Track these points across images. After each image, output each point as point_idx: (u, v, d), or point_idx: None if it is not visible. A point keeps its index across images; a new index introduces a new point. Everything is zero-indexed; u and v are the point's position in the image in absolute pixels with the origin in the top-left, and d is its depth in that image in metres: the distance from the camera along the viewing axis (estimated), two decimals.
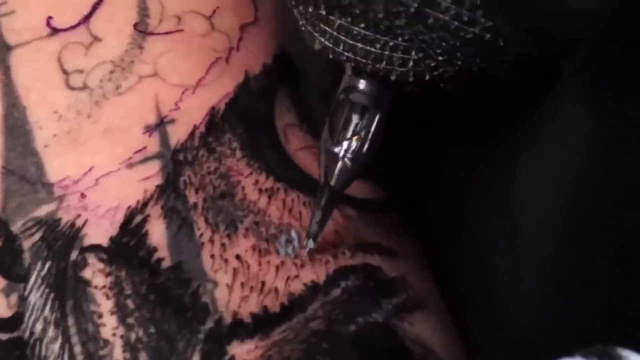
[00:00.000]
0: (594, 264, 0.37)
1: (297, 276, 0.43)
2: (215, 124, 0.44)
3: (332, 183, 0.42)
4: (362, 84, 0.40)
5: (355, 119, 0.41)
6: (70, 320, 0.42)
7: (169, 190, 0.43)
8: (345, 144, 0.41)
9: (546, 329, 0.39)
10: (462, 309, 0.46)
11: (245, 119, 0.45)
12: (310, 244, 0.43)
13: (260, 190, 0.44)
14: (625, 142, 0.35)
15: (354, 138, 0.41)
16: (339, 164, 0.41)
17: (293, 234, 0.44)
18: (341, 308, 0.42)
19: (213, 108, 0.44)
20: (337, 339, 0.41)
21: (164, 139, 0.44)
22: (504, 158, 0.41)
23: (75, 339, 0.42)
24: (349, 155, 0.41)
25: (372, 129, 0.41)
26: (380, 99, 0.40)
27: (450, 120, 0.44)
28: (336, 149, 0.41)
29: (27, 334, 0.42)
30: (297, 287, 0.42)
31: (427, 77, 0.38)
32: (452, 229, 0.46)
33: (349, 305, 0.43)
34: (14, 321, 0.43)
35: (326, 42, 0.38)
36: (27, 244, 0.43)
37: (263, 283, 0.42)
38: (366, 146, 0.41)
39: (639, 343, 0.31)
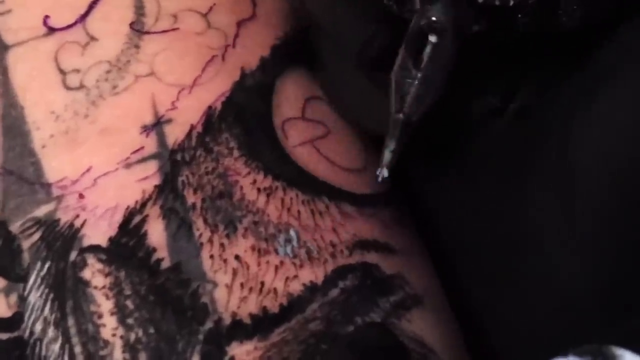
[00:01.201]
0: None
1: (296, 276, 0.43)
2: (212, 123, 0.44)
3: (407, 110, 0.41)
4: (435, 12, 0.39)
5: (429, 46, 0.40)
6: (70, 321, 0.42)
7: (167, 191, 0.43)
8: (419, 72, 0.40)
9: (601, 298, 0.38)
10: (471, 302, 0.46)
11: (242, 118, 0.45)
12: (385, 172, 0.41)
13: (258, 190, 0.44)
14: None
15: (430, 64, 0.40)
16: (414, 89, 0.40)
17: (292, 233, 0.44)
18: (340, 309, 0.43)
19: (210, 107, 0.44)
20: (335, 340, 0.41)
21: (161, 139, 0.44)
22: (557, 112, 0.40)
23: (75, 339, 0.42)
24: (422, 81, 0.40)
25: (447, 55, 0.40)
26: (453, 27, 0.39)
27: (464, 93, 0.43)
28: (412, 73, 0.40)
29: (27, 334, 0.43)
30: (296, 287, 0.42)
31: (512, 3, 0.37)
32: (475, 203, 0.44)
33: (348, 305, 0.43)
34: (14, 321, 0.43)
35: None
36: (26, 244, 0.43)
37: (262, 283, 0.42)
38: (439, 76, 0.40)
39: None
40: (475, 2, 0.38)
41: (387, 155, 0.41)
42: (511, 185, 0.43)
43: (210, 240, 0.43)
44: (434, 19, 0.39)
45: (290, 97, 0.47)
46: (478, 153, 0.45)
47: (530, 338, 0.43)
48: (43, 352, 0.42)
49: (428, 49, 0.40)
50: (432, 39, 0.39)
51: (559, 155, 0.40)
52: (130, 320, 0.42)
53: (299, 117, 0.47)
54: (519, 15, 0.38)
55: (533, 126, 0.42)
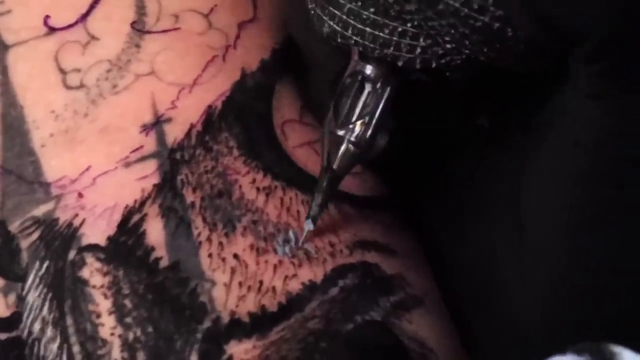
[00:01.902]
0: (603, 263, 0.37)
1: (295, 275, 0.43)
2: (212, 122, 0.44)
3: (335, 167, 0.42)
4: (368, 69, 0.40)
5: (360, 103, 0.41)
6: (69, 320, 0.42)
7: (166, 189, 0.43)
8: (349, 127, 0.41)
9: (551, 329, 0.39)
10: (463, 308, 0.46)
11: (242, 118, 0.45)
12: (310, 225, 0.43)
13: (257, 189, 0.44)
14: (636, 137, 0.34)
15: (359, 122, 0.41)
16: (343, 147, 0.41)
17: (291, 233, 0.44)
18: (339, 307, 0.42)
19: (210, 107, 0.44)
20: (334, 338, 0.41)
21: (161, 138, 0.44)
22: (514, 154, 0.41)
23: (73, 339, 0.42)
24: (352, 139, 0.41)
25: (377, 114, 0.41)
26: (386, 84, 0.40)
27: (457, 115, 0.44)
28: (340, 132, 0.41)
29: (25, 333, 0.42)
30: (294, 286, 0.42)
31: (434, 65, 0.38)
32: (455, 225, 0.46)
33: (347, 304, 0.43)
34: (13, 321, 0.43)
35: (335, 26, 0.38)
36: (25, 244, 0.43)
37: (261, 282, 0.42)
38: (370, 131, 0.41)
39: None
40: (396, 66, 0.39)
41: (314, 209, 0.43)
42: (478, 212, 0.44)
43: (209, 239, 0.43)
44: (367, 73, 0.40)
45: (289, 100, 0.47)
46: (459, 173, 0.46)
47: (505, 350, 0.43)
48: (41, 352, 0.42)
49: (360, 103, 0.40)
50: (367, 88, 0.40)
51: (511, 210, 0.41)
52: (128, 319, 0.42)
53: (298, 120, 0.47)
54: (447, 73, 0.38)
55: (491, 158, 0.44)
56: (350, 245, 0.44)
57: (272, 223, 0.44)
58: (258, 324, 0.41)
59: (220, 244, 0.42)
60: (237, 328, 0.41)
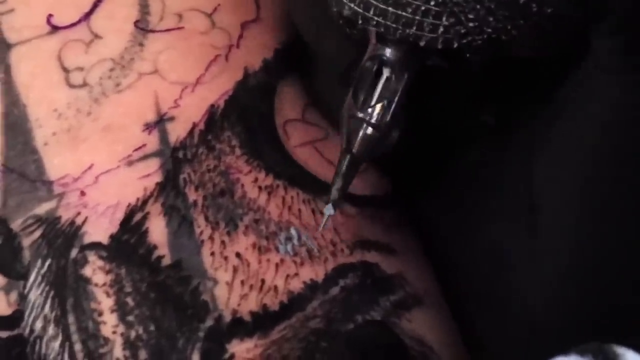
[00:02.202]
0: (624, 249, 0.37)
1: (296, 274, 0.43)
2: (214, 121, 0.44)
3: (354, 150, 0.41)
4: (388, 52, 0.40)
5: (380, 86, 0.40)
6: (71, 318, 0.42)
7: (169, 188, 0.43)
8: (369, 110, 0.41)
9: (559, 321, 0.39)
10: (465, 305, 0.46)
11: (244, 117, 0.45)
12: (330, 210, 0.42)
13: (259, 188, 0.44)
14: None
15: (378, 105, 0.40)
16: (362, 130, 0.41)
17: (292, 231, 0.44)
18: (340, 306, 0.42)
19: (212, 106, 0.44)
20: (335, 338, 0.41)
21: (164, 137, 0.44)
22: (522, 137, 0.41)
23: (75, 337, 0.42)
24: (372, 121, 0.41)
25: (397, 97, 0.41)
26: (405, 67, 0.40)
27: (464, 108, 0.44)
28: (360, 115, 0.41)
29: (27, 331, 0.42)
30: (296, 285, 0.42)
31: (456, 45, 0.38)
32: (459, 220, 0.45)
33: (348, 303, 0.43)
34: (14, 319, 0.43)
35: (356, 8, 0.38)
36: (27, 242, 0.43)
37: (263, 281, 0.42)
38: (389, 114, 0.41)
39: None
40: (418, 46, 0.38)
41: (334, 193, 0.42)
42: (484, 204, 0.44)
43: (211, 238, 0.43)
44: (386, 56, 0.40)
45: (292, 99, 0.47)
46: (464, 169, 0.46)
47: (512, 346, 0.43)
48: (43, 350, 0.42)
49: (379, 86, 0.40)
50: (386, 72, 0.40)
51: (522, 193, 0.41)
52: (130, 318, 0.42)
53: (300, 119, 0.47)
54: (467, 55, 0.38)
55: (501, 148, 0.43)
56: (351, 245, 0.45)
57: (274, 222, 0.44)
58: (260, 323, 0.42)
59: (223, 242, 0.42)
60: (239, 327, 0.41)
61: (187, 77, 0.44)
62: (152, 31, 0.45)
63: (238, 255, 0.42)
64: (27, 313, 0.43)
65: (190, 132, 0.44)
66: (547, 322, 0.39)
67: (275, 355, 0.41)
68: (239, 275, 0.42)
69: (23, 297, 0.43)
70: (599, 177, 0.37)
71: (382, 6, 0.38)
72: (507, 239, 0.42)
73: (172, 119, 0.44)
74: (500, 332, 0.43)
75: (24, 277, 0.43)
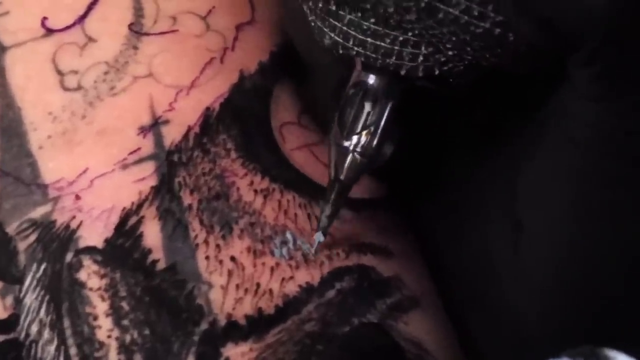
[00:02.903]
0: (601, 264, 0.37)
1: (291, 278, 0.43)
2: (209, 124, 0.44)
3: (342, 177, 0.42)
4: (371, 79, 0.40)
5: (364, 113, 0.41)
6: (66, 322, 0.42)
7: (164, 192, 0.43)
8: (355, 138, 0.41)
9: (549, 330, 0.39)
10: (461, 309, 0.46)
11: (240, 120, 0.45)
12: (320, 237, 0.43)
13: (255, 191, 0.44)
14: (635, 136, 0.34)
15: (364, 132, 0.41)
16: (349, 158, 0.41)
17: (288, 235, 0.43)
18: (336, 310, 0.42)
19: (207, 109, 0.44)
20: (331, 341, 0.41)
21: (159, 140, 0.43)
22: (510, 154, 0.41)
23: (70, 341, 0.42)
24: (358, 150, 0.41)
25: (382, 123, 0.41)
26: (389, 93, 0.40)
27: (455, 115, 0.44)
28: (346, 143, 0.41)
29: (22, 335, 0.42)
30: (291, 288, 0.42)
31: (437, 72, 0.38)
32: (453, 226, 0.46)
33: (344, 306, 0.43)
34: (10, 323, 0.43)
35: (336, 37, 0.38)
36: (22, 246, 0.43)
37: (258, 285, 0.42)
38: (376, 140, 0.41)
39: None
40: (399, 75, 0.39)
41: (323, 220, 0.43)
42: (474, 214, 0.44)
43: (206, 242, 0.43)
44: (370, 83, 0.40)
45: (287, 103, 0.47)
46: (456, 176, 0.46)
47: (505, 352, 0.43)
48: (39, 354, 0.42)
49: (364, 114, 0.40)
50: (370, 99, 0.40)
51: (507, 209, 0.41)
52: (125, 322, 0.42)
53: (296, 122, 0.47)
54: (450, 80, 0.38)
55: (488, 162, 0.43)
56: (347, 248, 0.44)
57: (270, 225, 0.44)
58: (255, 326, 0.41)
59: (218, 246, 0.42)
60: (234, 331, 0.41)
61: (182, 80, 0.44)
62: (147, 34, 0.44)
63: (233, 259, 0.42)
64: (22, 317, 0.43)
65: (186, 136, 0.44)
66: (537, 331, 0.39)
67: (270, 359, 0.41)
68: (233, 279, 0.42)
69: (19, 301, 0.43)
70: (578, 200, 0.37)
71: (360, 37, 0.38)
72: (494, 249, 0.42)
73: (167, 122, 0.44)
74: (493, 337, 0.43)
75: (20, 281, 0.43)
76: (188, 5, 0.46)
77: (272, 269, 0.42)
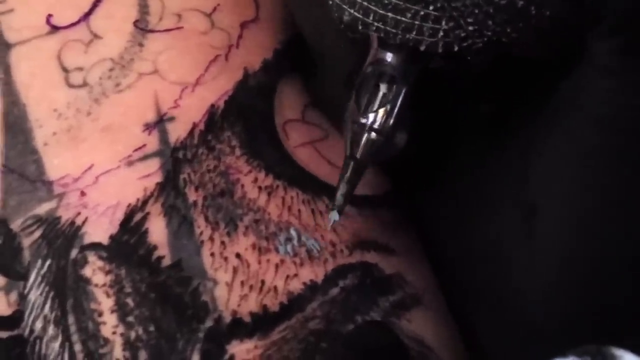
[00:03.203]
0: (617, 248, 0.37)
1: (296, 275, 0.43)
2: (214, 121, 0.44)
3: (358, 155, 0.41)
4: (389, 57, 0.40)
5: (382, 90, 0.40)
6: (71, 319, 0.42)
7: (169, 188, 0.43)
8: (371, 115, 0.40)
9: (556, 321, 0.39)
10: (465, 305, 0.46)
11: (244, 117, 0.45)
12: (335, 216, 0.42)
13: (259, 188, 0.44)
14: None
15: (381, 110, 0.40)
16: (365, 135, 0.41)
17: (292, 232, 0.44)
18: (339, 307, 0.42)
19: (212, 106, 0.44)
20: (335, 339, 0.41)
21: (164, 137, 0.44)
22: (521, 140, 0.41)
23: (75, 337, 0.42)
24: (375, 127, 0.40)
25: (399, 101, 0.40)
26: (407, 71, 0.40)
27: (463, 105, 0.44)
28: (363, 120, 0.40)
29: (27, 332, 0.42)
30: (296, 286, 0.42)
31: (456, 49, 0.38)
32: (459, 218, 0.45)
33: (347, 304, 0.43)
34: (14, 319, 0.43)
35: (355, 13, 0.38)
36: (27, 242, 0.43)
37: (263, 282, 0.42)
38: (392, 119, 0.40)
39: None
40: (419, 50, 0.38)
41: (339, 199, 0.42)
42: (482, 204, 0.44)
43: (211, 238, 0.43)
44: (387, 61, 0.40)
45: (291, 99, 0.47)
46: (462, 168, 0.46)
47: (510, 347, 0.43)
48: (43, 350, 0.42)
49: (381, 91, 0.40)
50: (388, 77, 0.40)
51: (520, 194, 0.41)
52: (130, 318, 0.42)
53: (300, 120, 0.47)
54: (469, 57, 0.38)
55: (499, 148, 0.43)
56: (350, 245, 0.45)
57: (274, 222, 0.44)
58: (260, 323, 0.42)
59: (223, 243, 0.42)
60: (239, 328, 0.41)
61: (186, 77, 0.44)
62: (152, 31, 0.45)
63: (238, 255, 0.42)
64: (27, 313, 0.43)
65: (190, 132, 0.44)
66: (545, 323, 0.39)
67: (275, 356, 0.41)
68: (238, 276, 0.42)
69: (23, 298, 0.43)
70: (596, 179, 0.37)
71: (381, 12, 0.38)
72: (505, 239, 0.42)
73: (172, 119, 0.44)
74: (499, 332, 0.43)
75: (24, 277, 0.43)
76: (193, 3, 0.46)
77: (276, 266, 0.43)
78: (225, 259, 0.42)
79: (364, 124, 0.40)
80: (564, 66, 0.38)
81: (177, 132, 0.44)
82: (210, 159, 0.44)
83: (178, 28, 0.45)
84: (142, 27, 0.45)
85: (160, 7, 0.45)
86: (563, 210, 0.38)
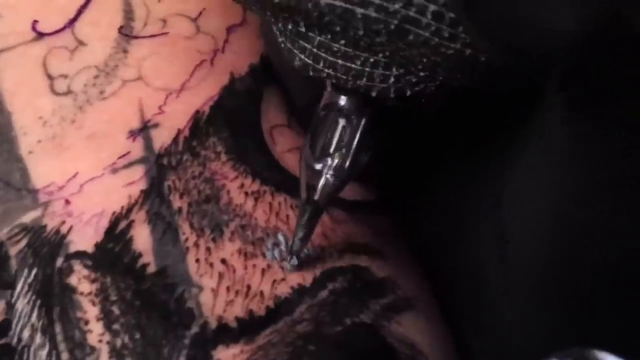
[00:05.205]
0: (582, 275, 0.37)
1: (283, 279, 0.42)
2: (199, 127, 0.44)
3: (316, 198, 0.41)
4: (342, 100, 0.40)
5: (337, 135, 0.41)
6: (57, 327, 0.42)
7: (154, 195, 0.43)
8: (327, 160, 0.41)
9: (536, 336, 0.39)
10: (454, 314, 0.46)
11: (230, 122, 0.44)
12: (294, 261, 0.43)
13: (246, 194, 0.44)
14: (608, 161, 0.34)
15: (336, 154, 0.41)
16: (322, 180, 0.41)
17: (280, 237, 0.43)
18: (328, 310, 0.42)
19: (197, 112, 0.44)
20: (323, 341, 0.41)
21: (148, 144, 0.43)
22: (496, 165, 0.41)
23: (62, 346, 0.42)
24: (331, 172, 0.41)
25: (354, 144, 0.41)
26: (361, 114, 0.40)
27: (442, 128, 0.44)
28: (318, 166, 0.41)
29: (15, 340, 0.42)
30: (283, 290, 0.42)
31: (409, 93, 0.38)
32: (444, 234, 0.46)
33: (336, 306, 0.42)
34: (2, 328, 0.43)
35: (306, 59, 0.38)
36: (13, 251, 0.43)
37: (249, 287, 0.42)
38: (348, 161, 0.41)
39: (625, 347, 0.31)
40: (370, 96, 0.38)
41: (296, 243, 0.42)
42: (462, 221, 0.44)
43: (196, 245, 0.42)
44: (341, 104, 0.40)
45: (278, 105, 0.47)
46: (444, 182, 0.46)
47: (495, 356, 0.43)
48: (31, 359, 0.42)
49: (336, 135, 0.40)
50: (342, 121, 0.40)
51: (493, 221, 0.41)
52: (116, 326, 0.41)
53: (287, 125, 0.47)
54: (422, 100, 0.38)
55: (467, 195, 0.43)
56: (341, 249, 0.44)
57: (261, 227, 0.43)
58: (246, 328, 0.41)
59: (208, 249, 0.42)
60: (225, 333, 0.41)
61: (171, 83, 0.44)
62: (136, 37, 0.44)
63: (223, 261, 0.42)
64: (14, 322, 0.42)
65: (175, 139, 0.44)
66: (523, 340, 0.39)
67: None
68: (224, 282, 0.42)
69: (10, 306, 0.43)
70: (558, 217, 0.37)
71: (331, 59, 0.37)
72: (482, 259, 0.42)
73: (156, 125, 0.44)
74: (484, 343, 0.43)
75: (11, 286, 0.43)
76: (178, 8, 0.45)
77: (263, 271, 0.42)
78: (211, 265, 0.42)
79: (320, 170, 0.40)
80: (530, 99, 0.38)
81: (161, 138, 0.43)
82: (195, 165, 0.44)
83: (163, 33, 0.45)
84: (126, 33, 0.44)
85: (145, 12, 0.45)
86: (529, 241, 0.39)
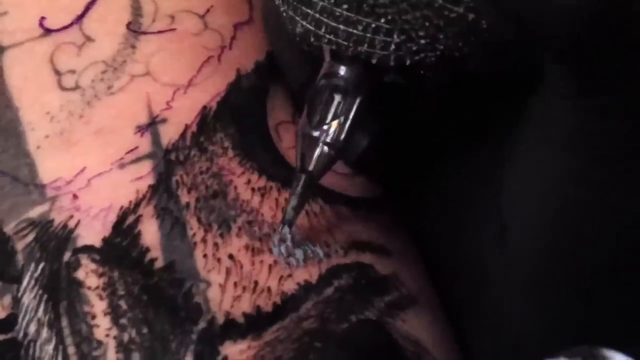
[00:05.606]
0: (583, 262, 0.37)
1: (290, 275, 0.43)
2: (206, 123, 0.44)
3: (310, 168, 0.41)
4: (342, 70, 0.40)
5: (334, 104, 0.41)
6: (64, 322, 0.42)
7: (161, 190, 0.43)
8: (324, 128, 0.41)
9: (537, 328, 0.39)
10: (457, 309, 0.46)
11: (237, 118, 0.45)
12: (286, 230, 0.42)
13: (252, 190, 0.44)
14: (608, 136, 0.34)
15: (333, 123, 0.41)
16: (317, 149, 0.41)
17: (286, 233, 0.43)
18: (334, 307, 0.42)
19: (205, 107, 0.44)
20: (329, 338, 0.41)
21: (156, 139, 0.44)
22: (496, 155, 0.41)
23: (69, 340, 0.42)
24: (327, 140, 0.41)
25: (352, 114, 0.41)
26: (360, 84, 0.40)
27: (440, 119, 0.44)
28: (315, 133, 0.41)
29: (21, 335, 0.42)
30: (290, 286, 0.42)
31: (408, 62, 0.38)
32: (447, 227, 0.46)
33: (342, 304, 0.43)
34: (8, 322, 0.43)
35: (308, 25, 0.38)
36: (20, 245, 0.43)
37: (256, 282, 0.42)
38: (345, 131, 0.41)
39: (630, 340, 0.31)
40: (370, 66, 0.39)
41: (289, 212, 0.42)
42: (463, 215, 0.44)
43: (204, 240, 0.43)
44: (340, 74, 0.40)
45: (284, 101, 0.47)
46: (447, 174, 0.46)
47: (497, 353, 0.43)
48: (37, 353, 0.42)
49: (334, 104, 0.40)
50: (341, 90, 0.40)
51: (493, 211, 0.41)
52: (123, 321, 0.42)
53: (292, 121, 0.47)
54: (421, 72, 0.38)
55: (466, 186, 0.44)
56: (345, 246, 0.44)
57: (268, 223, 0.44)
58: (253, 324, 0.41)
59: (215, 244, 0.42)
60: (232, 329, 0.41)
61: (179, 79, 0.44)
62: (144, 33, 0.45)
63: (231, 256, 0.42)
64: (21, 316, 0.42)
65: (183, 134, 0.44)
66: (524, 334, 0.39)
67: (268, 357, 0.41)
68: (232, 277, 0.42)
69: (17, 301, 0.43)
70: (558, 201, 0.37)
71: (333, 24, 0.38)
72: (483, 250, 0.42)
73: (164, 121, 0.44)
74: (485, 338, 0.43)
75: (18, 280, 0.43)
76: (186, 4, 0.46)
77: (270, 267, 0.42)
78: (218, 260, 0.42)
79: (316, 137, 0.40)
80: (532, 81, 0.38)
81: (169, 134, 0.44)
82: (203, 160, 0.44)
83: (171, 30, 0.45)
84: (135, 29, 0.45)
85: (154, 8, 0.45)
86: (528, 229, 0.39)
